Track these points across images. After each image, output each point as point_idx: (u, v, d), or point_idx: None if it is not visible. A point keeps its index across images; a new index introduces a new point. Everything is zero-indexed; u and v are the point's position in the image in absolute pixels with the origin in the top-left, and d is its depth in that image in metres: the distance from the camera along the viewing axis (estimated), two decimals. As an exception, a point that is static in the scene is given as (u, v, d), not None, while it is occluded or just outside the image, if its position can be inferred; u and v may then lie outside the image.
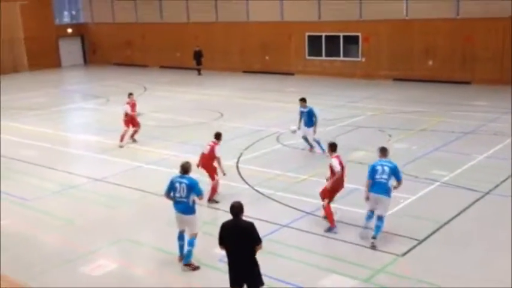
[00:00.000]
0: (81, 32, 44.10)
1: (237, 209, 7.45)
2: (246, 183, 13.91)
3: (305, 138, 16.36)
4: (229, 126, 19.35)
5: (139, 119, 18.41)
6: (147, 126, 19.27)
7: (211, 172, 12.66)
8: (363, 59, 30.56)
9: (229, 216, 7.56)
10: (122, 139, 18.00)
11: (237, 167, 15.13)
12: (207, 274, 9.53)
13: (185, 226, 9.76)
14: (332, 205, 11.07)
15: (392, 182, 10.22)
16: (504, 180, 13.22)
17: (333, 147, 11.04)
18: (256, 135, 18.64)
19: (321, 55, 31.97)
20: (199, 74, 34.81)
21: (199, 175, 11.29)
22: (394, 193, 10.59)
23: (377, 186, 10.13)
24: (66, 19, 45.07)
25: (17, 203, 13.22)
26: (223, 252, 7.69)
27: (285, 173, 14.60)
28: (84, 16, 44.46)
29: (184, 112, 23.24)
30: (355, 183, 12.98)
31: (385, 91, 26.67)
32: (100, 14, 42.88)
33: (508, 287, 8.64)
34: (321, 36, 31.69)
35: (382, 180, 10.09)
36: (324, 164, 11.83)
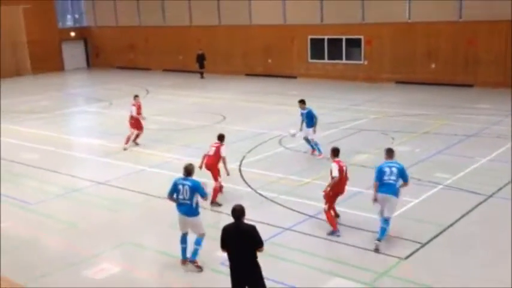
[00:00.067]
0: (84, 35, 44.20)
1: (238, 212, 7.45)
2: (249, 186, 13.91)
3: (306, 139, 16.44)
4: (232, 129, 19.36)
5: (143, 122, 18.42)
6: (150, 130, 19.29)
7: (216, 173, 12.74)
8: (366, 62, 30.56)
9: (231, 220, 7.57)
10: (127, 141, 18.07)
11: (240, 170, 15.14)
12: (209, 277, 9.53)
13: (189, 228, 9.77)
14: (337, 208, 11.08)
15: (400, 183, 10.24)
16: (507, 183, 13.20)
17: (334, 152, 11.07)
18: (259, 138, 18.65)
19: (323, 58, 31.99)
20: (202, 77, 34.86)
21: (206, 179, 11.29)
22: (399, 197, 10.61)
23: (386, 187, 10.14)
24: (69, 23, 45.21)
25: (20, 207, 13.24)
26: (225, 255, 7.70)
27: (287, 176, 14.60)
28: (87, 19, 44.59)
29: (187, 115, 23.26)
30: (358, 186, 13.02)
31: (387, 94, 26.66)
32: (103, 18, 42.99)
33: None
34: (323, 39, 31.70)
35: (391, 182, 10.12)
36: (327, 167, 11.82)
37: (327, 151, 12.98)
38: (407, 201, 11.98)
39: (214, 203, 12.54)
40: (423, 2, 28.10)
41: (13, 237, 11.47)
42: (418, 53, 28.67)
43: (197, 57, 34.78)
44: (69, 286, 9.44)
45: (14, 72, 39.27)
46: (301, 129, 16.40)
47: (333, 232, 10.89)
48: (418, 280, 9.03)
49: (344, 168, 10.94)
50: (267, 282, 7.71)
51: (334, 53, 31.43)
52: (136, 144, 18.33)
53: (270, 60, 34.23)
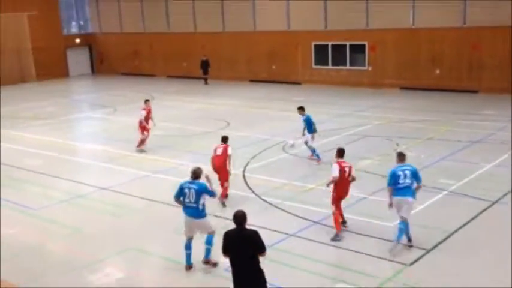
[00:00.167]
0: (89, 42, 44.38)
1: (240, 218, 7.43)
2: (253, 192, 13.90)
3: (306, 144, 16.51)
4: (236, 135, 19.35)
5: (153, 126, 18.51)
6: (155, 136, 19.28)
7: (225, 173, 13.03)
8: (370, 68, 30.56)
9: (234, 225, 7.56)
10: (139, 144, 18.27)
11: (244, 176, 15.13)
12: (213, 283, 9.52)
13: (196, 230, 9.84)
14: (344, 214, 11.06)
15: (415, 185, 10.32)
16: (512, 189, 13.16)
17: (338, 152, 11.16)
18: (263, 144, 18.65)
19: (327, 64, 32.01)
20: (206, 83, 34.93)
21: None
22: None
23: (402, 191, 10.19)
24: (74, 29, 45.40)
25: (24, 212, 13.26)
26: (228, 261, 7.68)
27: (291, 182, 14.58)
28: (92, 26, 44.77)
29: (191, 121, 23.29)
30: (362, 192, 13.00)
31: (391, 100, 26.64)
32: (108, 24, 43.16)
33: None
34: (327, 45, 31.73)
35: (407, 185, 10.20)
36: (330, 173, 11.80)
37: (330, 157, 12.94)
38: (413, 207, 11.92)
39: (223, 197, 12.95)
40: (427, 8, 28.11)
41: (17, 242, 11.49)
42: (422, 59, 28.66)
43: (201, 63, 34.86)
44: (73, 292, 9.45)
45: (19, 79, 39.42)
46: (303, 135, 16.48)
47: (336, 235, 10.91)
48: (422, 286, 8.98)
49: (346, 169, 10.92)
50: (271, 288, 7.69)
51: (338, 59, 31.45)
52: (142, 150, 18.36)
53: (274, 67, 34.27)
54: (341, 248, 10.62)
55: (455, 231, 11.05)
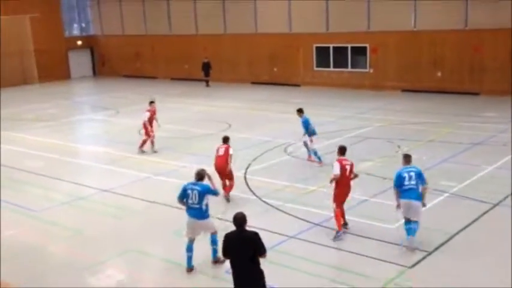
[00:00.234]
0: (90, 44, 44.45)
1: (240, 219, 7.44)
2: (254, 194, 13.90)
3: (305, 144, 16.58)
4: (238, 137, 19.35)
5: (155, 127, 18.60)
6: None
7: (228, 173, 13.33)
8: (371, 70, 30.57)
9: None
10: (152, 145, 18.41)
11: (245, 178, 15.14)
12: (214, 285, 9.52)
13: (199, 231, 9.89)
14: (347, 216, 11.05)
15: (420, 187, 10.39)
16: (513, 192, 13.15)
17: (340, 150, 11.31)
18: (264, 146, 18.66)
19: (328, 66, 32.02)
20: (208, 85, 34.95)
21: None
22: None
23: (408, 193, 10.27)
24: (76, 31, 45.48)
25: (25, 214, 13.28)
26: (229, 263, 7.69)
27: (293, 184, 14.58)
28: (93, 28, 44.85)
29: (193, 123, 23.30)
30: (364, 194, 13.00)
31: (393, 102, 26.63)
32: (109, 26, 43.23)
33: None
34: (328, 47, 31.75)
35: (412, 186, 10.27)
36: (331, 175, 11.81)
37: (331, 159, 12.94)
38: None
39: (228, 193, 13.38)
40: (429, 11, 28.12)
41: (18, 244, 11.50)
42: (424, 61, 28.66)
43: (203, 65, 34.90)
44: (74, 293, 9.46)
45: (21, 81, 39.50)
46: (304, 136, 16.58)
47: (337, 233, 10.99)
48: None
49: (347, 167, 11.01)
50: (272, 290, 7.69)
51: (339, 61, 31.46)
52: (142, 152, 18.39)
53: (275, 69, 34.29)
54: (342, 250, 10.63)
55: (457, 233, 11.03)
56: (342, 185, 11.02)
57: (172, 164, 16.99)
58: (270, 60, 34.31)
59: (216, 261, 9.99)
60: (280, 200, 13.30)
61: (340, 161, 11.03)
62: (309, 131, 16.25)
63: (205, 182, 9.99)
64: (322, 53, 32.12)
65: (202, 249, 10.05)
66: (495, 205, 12.45)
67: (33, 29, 39.45)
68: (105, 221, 12.78)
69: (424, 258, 10.04)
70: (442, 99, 26.62)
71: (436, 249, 10.37)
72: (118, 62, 42.99)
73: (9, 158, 18.51)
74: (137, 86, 36.62)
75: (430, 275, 9.47)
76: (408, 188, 10.26)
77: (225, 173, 13.27)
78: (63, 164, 17.93)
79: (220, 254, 9.71)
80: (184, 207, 9.97)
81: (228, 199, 13.32)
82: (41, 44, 39.79)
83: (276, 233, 11.22)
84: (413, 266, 9.77)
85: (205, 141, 19.59)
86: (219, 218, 11.86)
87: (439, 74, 28.29)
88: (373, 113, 24.00)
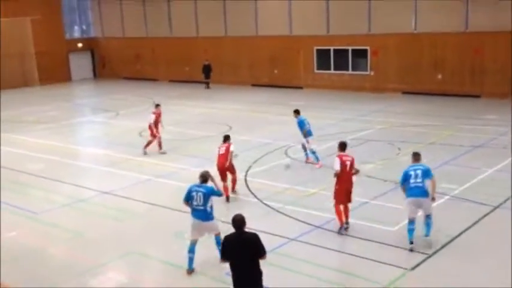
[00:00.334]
0: (91, 46, 44.49)
1: (239, 221, 7.43)
2: (255, 196, 13.90)
3: (302, 146, 16.68)
4: (238, 139, 19.34)
5: (160, 129, 18.71)
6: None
7: (231, 169, 13.68)
8: (372, 73, 30.58)
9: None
10: (160, 147, 18.52)
11: (246, 180, 15.13)
12: (214, 286, 9.50)
13: (204, 232, 9.95)
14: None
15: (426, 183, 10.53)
16: (514, 194, 13.14)
17: (340, 146, 11.53)
18: (265, 148, 18.66)
19: (329, 69, 32.03)
20: (208, 87, 34.97)
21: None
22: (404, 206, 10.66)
23: (414, 191, 10.43)
24: (77, 34, 45.53)
25: (26, 216, 13.27)
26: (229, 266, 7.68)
27: (293, 186, 14.58)
28: (94, 31, 44.89)
29: (193, 126, 23.31)
30: (365, 197, 12.99)
31: (394, 104, 26.63)
32: (110, 29, 43.26)
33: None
34: (329, 50, 31.77)
35: (418, 184, 10.41)
36: (333, 177, 11.81)
37: (332, 161, 12.93)
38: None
39: (234, 191, 13.87)
40: (429, 13, 28.13)
41: (18, 246, 11.50)
42: (425, 64, 28.67)
43: (203, 67, 34.93)
44: (75, 296, 9.45)
45: (22, 83, 39.50)
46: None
47: (340, 228, 11.20)
48: (424, 291, 8.99)
49: (347, 162, 11.18)
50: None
51: (340, 63, 31.46)
52: (145, 153, 18.45)
53: (276, 71, 34.30)
54: (343, 252, 10.63)
55: (457, 235, 11.03)
56: (343, 181, 11.15)
57: (173, 166, 16.99)
58: (271, 63, 34.33)
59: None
60: (280, 202, 13.30)
61: (340, 157, 11.22)
62: (304, 131, 16.33)
63: (209, 183, 10.04)
64: (322, 55, 32.13)
65: (203, 251, 10.05)
66: (495, 207, 12.44)
67: (34, 31, 39.48)
68: (106, 223, 12.77)
69: (424, 260, 10.03)
70: (443, 101, 26.62)
71: (437, 251, 10.37)
72: (118, 64, 43.02)
73: (9, 160, 18.52)
74: (137, 88, 36.65)
75: (431, 277, 9.47)
76: (414, 186, 10.41)
77: (226, 171, 13.53)
78: (64, 166, 17.94)
79: (201, 272, 9.78)
80: (188, 209, 10.00)
81: (234, 191, 13.85)
82: (41, 46, 39.81)
83: (276, 235, 11.22)
84: (414, 268, 9.77)
85: (206, 143, 19.59)
86: (222, 221, 11.85)
87: (440, 76, 28.30)
88: (374, 115, 24.00)
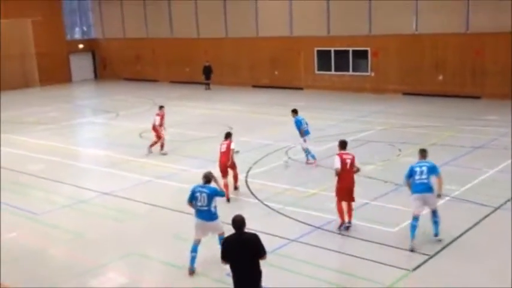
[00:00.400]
0: (92, 47, 44.51)
1: (239, 222, 7.42)
2: (255, 197, 13.89)
3: (302, 148, 16.81)
4: (238, 140, 19.31)
5: (164, 132, 18.82)
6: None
7: (232, 166, 13.97)
8: (372, 74, 30.58)
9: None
10: (162, 148, 18.57)
11: (246, 181, 15.12)
12: (215, 287, 9.52)
13: (208, 232, 9.98)
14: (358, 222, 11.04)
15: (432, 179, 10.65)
16: (515, 195, 13.12)
17: (340, 144, 11.67)
18: (265, 149, 18.65)
19: (330, 70, 32.03)
20: (208, 88, 34.97)
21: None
22: (405, 208, 10.62)
23: (420, 187, 10.54)
24: (77, 35, 45.56)
25: (26, 217, 13.27)
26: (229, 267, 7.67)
27: (293, 187, 14.57)
28: (95, 32, 44.92)
29: (194, 127, 23.30)
30: (365, 198, 12.98)
31: (394, 105, 26.62)
32: (111, 30, 43.29)
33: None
34: (330, 51, 31.76)
35: (423, 181, 10.54)
36: (333, 178, 11.80)
37: (332, 162, 12.93)
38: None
39: (236, 188, 14.14)
40: (430, 14, 28.14)
41: (19, 247, 11.50)
42: (425, 65, 28.66)
43: (204, 68, 34.94)
44: (75, 296, 9.44)
45: (23, 84, 39.51)
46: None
47: (340, 226, 11.31)
48: (425, 292, 8.97)
49: (348, 160, 11.25)
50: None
51: (340, 64, 31.46)
52: (150, 152, 18.55)
53: (276, 72, 34.30)
54: (343, 253, 10.61)
55: (458, 236, 11.02)
56: (343, 179, 11.22)
57: (174, 167, 16.99)
58: (271, 64, 34.33)
59: None
60: (281, 203, 13.29)
61: (340, 155, 11.32)
62: (301, 131, 16.43)
63: (212, 184, 10.07)
64: (323, 56, 32.13)
65: (203, 251, 10.03)
66: (496, 208, 12.42)
67: (35, 32, 39.52)
68: (106, 224, 12.77)
69: (425, 261, 10.02)
70: (444, 102, 26.61)
71: (438, 252, 10.35)
72: (119, 65, 43.04)
73: (10, 160, 18.52)
74: (138, 89, 36.65)
75: (432, 278, 9.45)
76: (419, 183, 10.52)
77: (227, 168, 13.75)
78: (64, 167, 17.93)
79: (202, 272, 9.79)
80: (189, 210, 10.04)
81: (237, 188, 14.19)
82: (42, 47, 39.85)
83: (277, 236, 11.20)
84: (415, 269, 9.76)
85: (206, 144, 19.58)
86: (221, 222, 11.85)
87: (441, 77, 28.29)
88: (375, 116, 23.99)
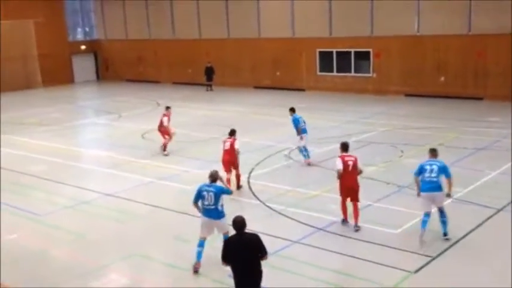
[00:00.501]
0: (94, 48, 44.56)
1: (239, 223, 7.43)
2: (257, 198, 13.88)
3: (303, 149, 16.87)
4: (240, 141, 19.25)
5: (172, 131, 18.93)
6: (159, 142, 19.26)
7: (236, 163, 14.16)
8: (374, 75, 30.55)
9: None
10: (164, 148, 18.60)
11: (248, 183, 15.11)
12: (217, 290, 9.51)
13: (213, 230, 10.03)
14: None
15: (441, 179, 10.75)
16: (518, 197, 13.09)
17: (342, 147, 11.75)
18: (267, 150, 18.64)
19: (332, 71, 32.02)
20: (211, 89, 34.98)
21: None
22: (408, 209, 10.57)
23: (429, 185, 10.68)
24: (80, 36, 45.64)
25: (28, 218, 13.27)
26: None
27: (295, 188, 14.56)
28: (97, 33, 44.96)
29: (196, 128, 23.28)
30: (367, 199, 12.94)
31: (396, 107, 26.60)
32: (113, 31, 43.34)
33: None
34: (332, 52, 31.76)
35: (433, 179, 10.66)
36: (335, 179, 11.79)
37: (334, 164, 12.92)
38: (417, 214, 11.84)
39: (239, 187, 14.26)
40: (432, 16, 28.12)
41: (21, 248, 11.50)
42: (427, 66, 28.63)
43: (205, 69, 34.96)
44: (77, 298, 9.44)
45: (25, 85, 39.54)
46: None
47: (343, 221, 11.60)
48: (427, 294, 8.95)
49: (349, 162, 11.34)
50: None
51: (342, 65, 31.45)
52: (167, 153, 18.65)
53: (278, 73, 34.29)
54: (346, 255, 10.58)
55: (461, 238, 10.99)
56: (345, 180, 11.32)
57: (175, 168, 16.98)
58: (273, 65, 34.33)
59: None
60: (282, 205, 13.28)
61: (342, 157, 11.40)
62: (298, 129, 16.52)
63: (218, 183, 10.12)
64: (325, 57, 32.12)
65: (204, 253, 10.01)
66: (499, 210, 12.40)
67: (37, 34, 39.55)
68: (108, 225, 12.76)
69: (428, 263, 9.99)
70: (446, 104, 26.57)
71: (441, 253, 10.33)
72: (121, 66, 43.07)
73: (12, 161, 18.53)
74: (140, 91, 36.68)
75: (434, 279, 9.43)
76: (429, 181, 10.64)
77: (230, 165, 13.96)
78: (67, 168, 17.94)
79: (204, 273, 9.79)
80: (191, 211, 10.04)
81: (240, 187, 14.34)
82: (44, 48, 39.86)
83: (279, 237, 11.19)
84: (418, 271, 9.73)
85: (208, 145, 19.59)
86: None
87: (443, 78, 28.25)
88: (377, 117, 23.97)
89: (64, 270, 10.49)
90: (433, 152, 11.11)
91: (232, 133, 14.41)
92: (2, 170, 17.33)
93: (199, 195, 9.96)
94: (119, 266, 10.60)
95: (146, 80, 40.87)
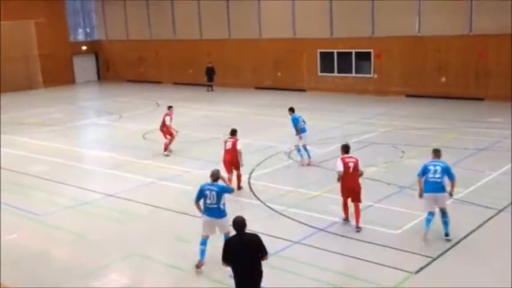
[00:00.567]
0: (95, 49, 44.59)
1: (240, 223, 7.44)
2: (258, 199, 13.88)
3: (304, 149, 16.89)
4: (241, 142, 19.35)
5: (174, 131, 18.95)
6: (161, 143, 19.27)
7: (238, 164, 14.12)
8: (375, 76, 30.55)
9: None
10: (165, 149, 18.60)
11: (249, 183, 15.11)
12: (218, 290, 9.51)
13: (216, 229, 10.04)
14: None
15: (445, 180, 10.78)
16: (518, 197, 13.08)
17: (343, 148, 11.82)
18: (268, 151, 18.64)
19: (333, 71, 32.01)
20: (212, 89, 34.99)
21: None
22: (409, 210, 10.55)
23: (432, 186, 10.71)
24: (81, 36, 45.67)
25: (29, 218, 13.28)
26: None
27: (296, 189, 14.56)
28: (98, 33, 45.01)
29: (197, 128, 23.29)
30: (368, 200, 12.93)
31: (397, 107, 26.59)
32: (114, 31, 43.37)
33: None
34: (333, 52, 31.75)
35: (436, 180, 10.69)
36: (335, 180, 11.80)
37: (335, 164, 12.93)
38: (418, 215, 11.86)
39: (240, 188, 14.25)
40: (433, 16, 28.11)
41: (22, 248, 11.50)
42: (428, 67, 28.62)
43: (206, 70, 34.97)
44: (77, 298, 9.44)
45: (26, 86, 39.55)
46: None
47: (344, 220, 11.67)
48: (428, 294, 8.94)
49: (350, 164, 11.40)
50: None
51: (343, 66, 31.45)
52: (170, 151, 18.70)
53: (279, 74, 34.30)
54: (346, 255, 10.58)
55: (462, 239, 10.99)
56: (346, 182, 11.37)
57: (177, 169, 16.98)
58: (274, 65, 34.33)
59: None
60: (283, 205, 13.28)
61: (343, 159, 11.45)
62: (298, 128, 16.57)
63: (220, 182, 10.15)
64: (326, 58, 32.12)
65: (205, 253, 10.02)
66: (500, 211, 12.39)
67: (38, 34, 39.56)
68: (109, 225, 12.77)
69: (429, 264, 9.99)
70: (447, 104, 26.56)
71: (441, 254, 10.32)
72: (122, 66, 43.10)
73: (13, 162, 18.54)
74: (141, 91, 36.69)
75: (435, 280, 9.42)
76: (432, 181, 10.67)
77: (232, 165, 14.01)
78: (68, 168, 17.94)
79: (204, 274, 9.79)
80: (192, 212, 10.04)
81: (241, 188, 14.30)
82: (46, 48, 39.88)
83: (279, 238, 11.19)
84: (418, 271, 9.72)
85: (209, 146, 19.59)
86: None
87: (444, 79, 28.23)
88: (378, 118, 23.96)
89: (64, 270, 10.49)
90: (437, 153, 11.13)
91: (234, 133, 14.44)
92: (2, 170, 17.35)
93: (201, 194, 9.97)
94: (120, 266, 10.60)
95: (147, 80, 40.89)
